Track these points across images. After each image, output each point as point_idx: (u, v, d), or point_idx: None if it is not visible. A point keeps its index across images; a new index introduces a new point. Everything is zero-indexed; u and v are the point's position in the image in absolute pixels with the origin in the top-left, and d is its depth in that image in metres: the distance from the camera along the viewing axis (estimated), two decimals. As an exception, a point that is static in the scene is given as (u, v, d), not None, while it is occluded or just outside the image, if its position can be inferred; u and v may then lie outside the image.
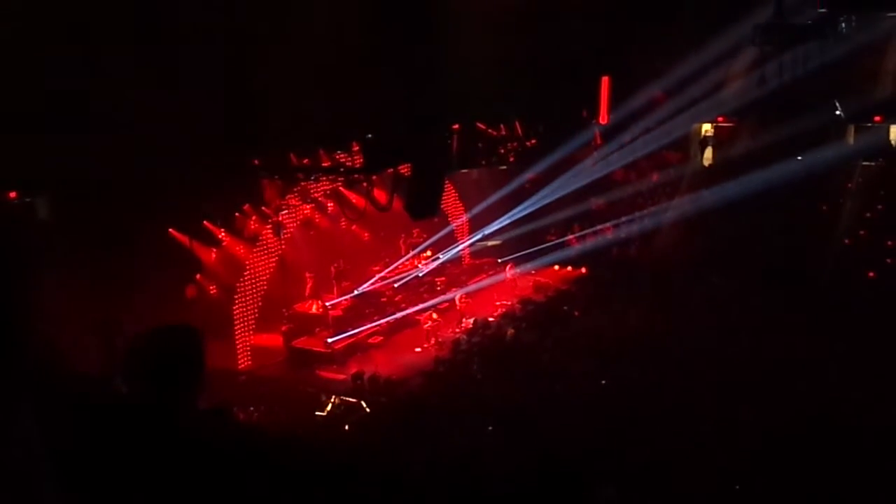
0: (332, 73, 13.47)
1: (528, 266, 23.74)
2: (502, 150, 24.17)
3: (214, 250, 18.61)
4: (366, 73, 13.55)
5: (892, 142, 23.21)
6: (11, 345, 2.46)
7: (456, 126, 19.31)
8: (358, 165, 18.57)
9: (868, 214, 21.05)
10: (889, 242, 20.07)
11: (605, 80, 24.73)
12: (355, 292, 20.63)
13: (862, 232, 20.67)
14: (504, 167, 24.38)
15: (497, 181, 24.85)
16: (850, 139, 23.46)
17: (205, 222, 18.27)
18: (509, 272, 22.99)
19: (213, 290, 18.56)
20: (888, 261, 19.58)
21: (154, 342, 3.15)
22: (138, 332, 3.17)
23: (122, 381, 3.08)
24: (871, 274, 19.45)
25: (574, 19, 21.36)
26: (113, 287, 13.94)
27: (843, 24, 25.23)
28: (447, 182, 20.68)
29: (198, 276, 18.38)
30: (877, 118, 23.33)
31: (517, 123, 24.33)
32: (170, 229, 17.38)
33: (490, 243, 24.80)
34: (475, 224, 24.87)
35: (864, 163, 22.43)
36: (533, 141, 24.68)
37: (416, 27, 12.73)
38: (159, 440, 2.89)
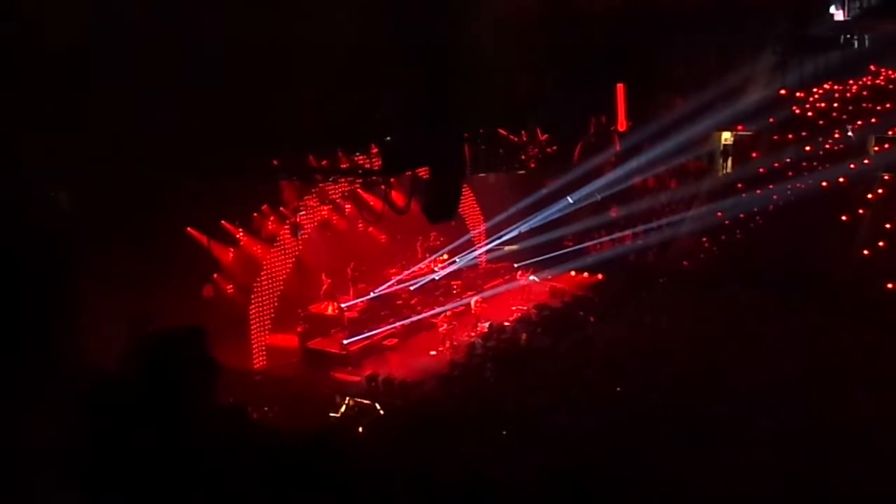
0: (351, 75, 13.52)
1: (546, 272, 23.69)
2: (523, 157, 24.19)
3: (232, 250, 18.71)
4: (386, 76, 13.59)
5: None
6: (43, 343, 2.49)
7: (465, 134, 19.30)
8: (376, 167, 18.63)
9: (888, 225, 20.89)
10: (909, 254, 19.92)
11: (620, 87, 24.71)
12: (371, 294, 20.66)
13: (881, 243, 20.51)
14: (522, 171, 24.40)
15: (516, 186, 24.84)
16: (871, 151, 23.31)
17: (223, 222, 18.37)
18: (522, 278, 22.95)
19: (229, 289, 18.65)
20: (907, 273, 19.42)
21: (160, 344, 3.17)
22: (145, 334, 3.19)
23: (133, 380, 3.10)
24: (889, 285, 19.28)
25: (595, 27, 21.38)
26: (131, 285, 14.03)
27: (862, 35, 25.20)
28: (465, 186, 20.71)
29: (215, 275, 18.48)
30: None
31: (538, 130, 24.34)
32: (188, 228, 17.50)
33: (507, 248, 24.77)
34: (493, 228, 24.86)
35: (885, 174, 22.26)
36: (554, 147, 24.71)
37: (437, 29, 12.76)
38: (175, 438, 2.91)
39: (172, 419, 2.99)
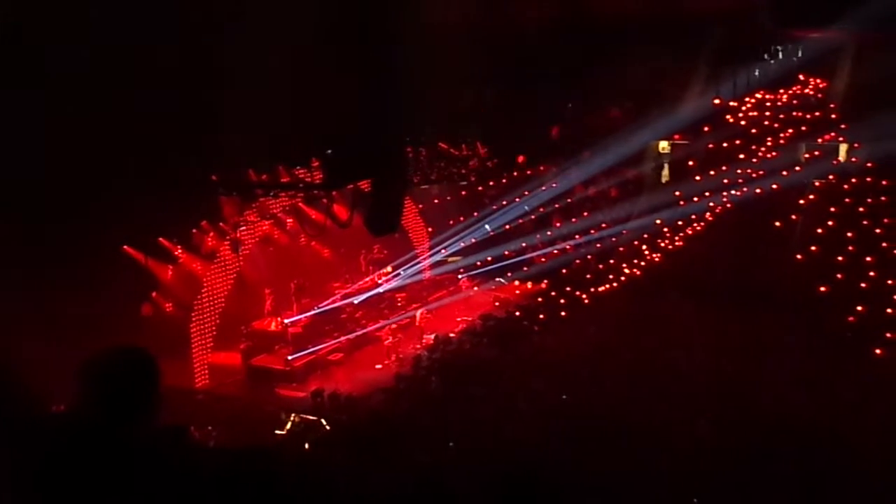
0: (291, 89, 13.41)
1: (490, 283, 23.83)
2: (464, 170, 24.33)
3: (171, 267, 18.35)
4: (326, 89, 13.52)
5: (842, 160, 23.81)
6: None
7: (407, 147, 19.31)
8: (318, 181, 18.51)
9: (819, 230, 21.53)
10: (839, 258, 20.53)
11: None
12: (315, 309, 20.47)
13: (813, 248, 21.11)
14: (464, 182, 24.53)
15: (458, 199, 24.96)
16: (802, 158, 24.01)
17: (161, 239, 18.02)
18: (467, 289, 23.07)
19: (169, 307, 18.30)
20: (839, 276, 20.01)
21: (106, 363, 3.08)
22: (90, 354, 3.09)
23: (75, 401, 3.00)
24: (822, 288, 19.85)
25: (533, 39, 21.63)
26: (65, 306, 13.67)
27: (793, 46, 26.00)
28: (408, 198, 20.72)
29: (153, 293, 18.11)
30: (826, 136, 23.92)
31: (478, 143, 24.50)
32: (124, 246, 17.11)
33: (451, 260, 24.82)
34: (437, 240, 24.90)
35: (816, 181, 22.95)
36: (494, 161, 24.91)
37: (378, 43, 12.75)
38: (116, 460, 2.84)
39: (116, 440, 2.91)
